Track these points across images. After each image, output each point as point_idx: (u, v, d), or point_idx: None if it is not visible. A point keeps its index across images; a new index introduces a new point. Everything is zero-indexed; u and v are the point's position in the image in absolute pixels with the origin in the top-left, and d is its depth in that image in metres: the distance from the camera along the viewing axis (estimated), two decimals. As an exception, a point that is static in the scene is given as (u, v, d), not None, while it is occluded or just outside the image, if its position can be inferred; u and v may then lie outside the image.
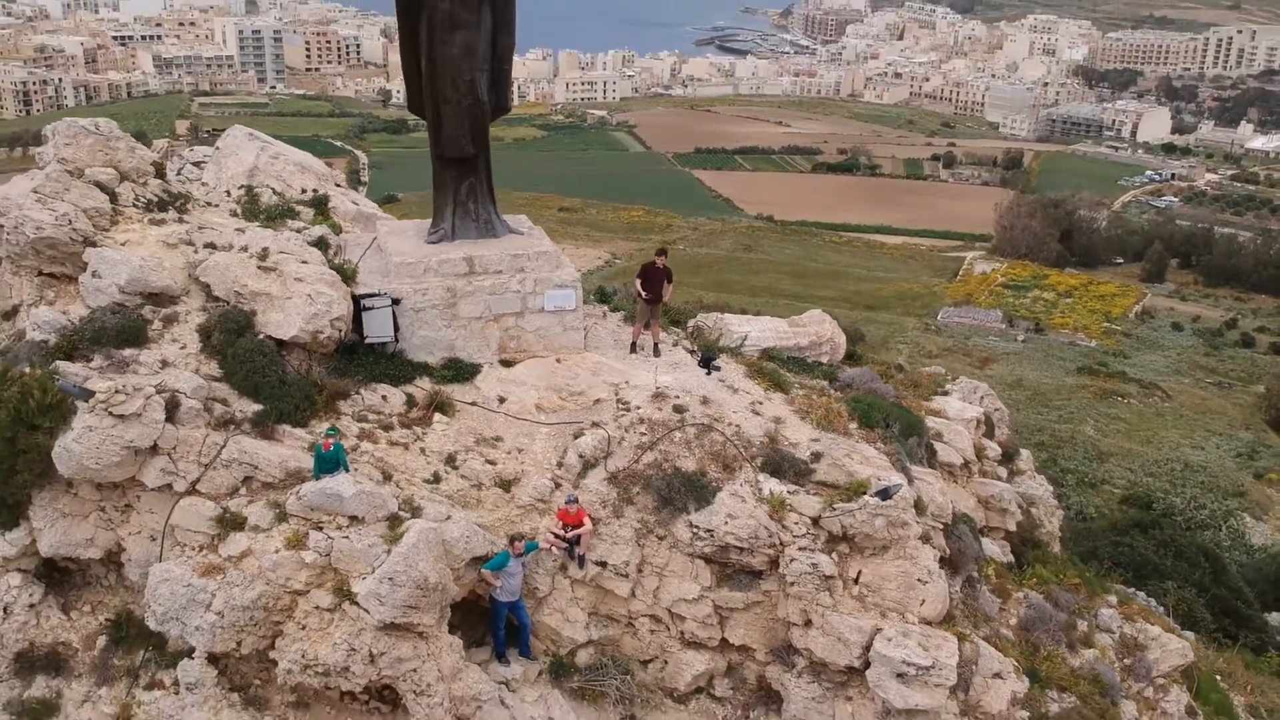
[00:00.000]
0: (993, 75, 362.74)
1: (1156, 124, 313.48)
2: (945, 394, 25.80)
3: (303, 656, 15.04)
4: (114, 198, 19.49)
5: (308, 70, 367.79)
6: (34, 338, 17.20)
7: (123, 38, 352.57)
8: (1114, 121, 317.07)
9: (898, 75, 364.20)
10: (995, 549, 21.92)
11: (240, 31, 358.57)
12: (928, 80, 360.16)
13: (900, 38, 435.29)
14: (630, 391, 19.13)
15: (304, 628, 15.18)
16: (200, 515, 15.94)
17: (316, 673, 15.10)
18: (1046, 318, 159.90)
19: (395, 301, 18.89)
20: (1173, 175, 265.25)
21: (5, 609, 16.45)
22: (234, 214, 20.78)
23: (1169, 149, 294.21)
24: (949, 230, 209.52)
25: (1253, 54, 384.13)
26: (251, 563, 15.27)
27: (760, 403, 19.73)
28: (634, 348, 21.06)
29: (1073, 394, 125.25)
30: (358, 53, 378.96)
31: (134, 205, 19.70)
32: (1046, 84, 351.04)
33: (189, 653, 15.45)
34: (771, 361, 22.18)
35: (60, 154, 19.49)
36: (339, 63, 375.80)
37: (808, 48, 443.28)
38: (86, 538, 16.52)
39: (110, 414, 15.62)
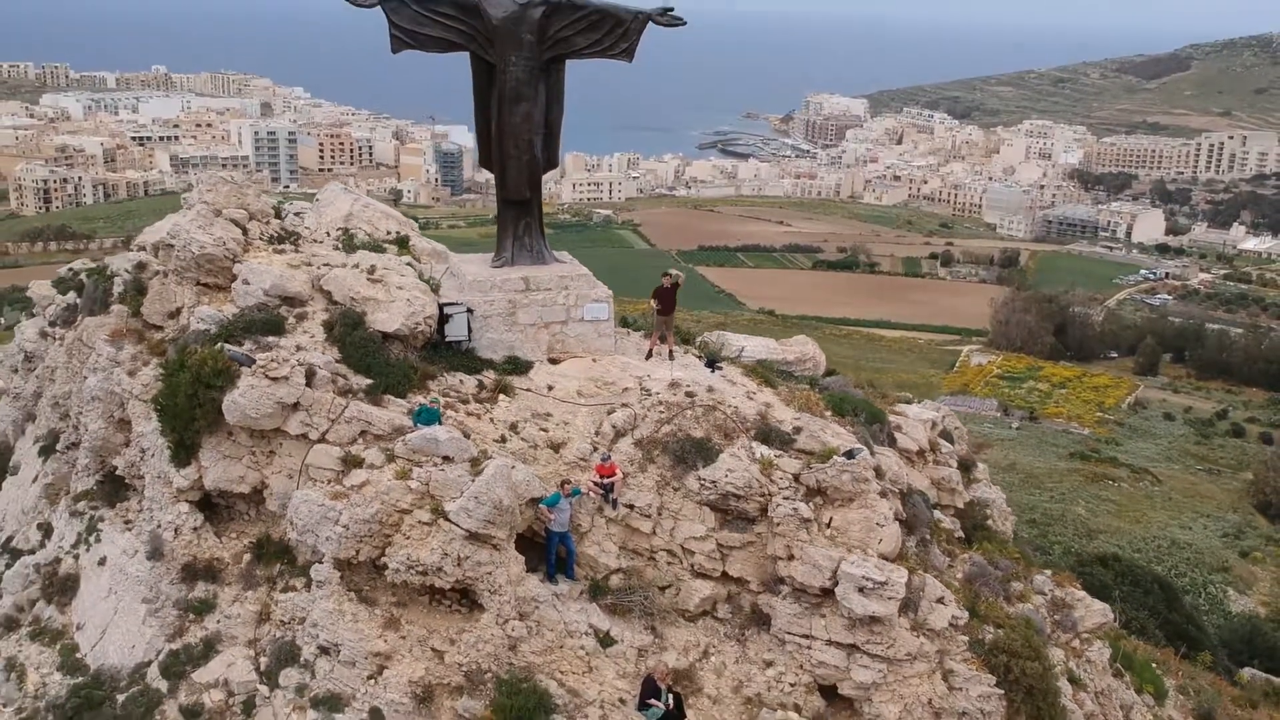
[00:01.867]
0: (990, 178, 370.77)
1: (1151, 225, 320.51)
2: (908, 403, 30.98)
3: (408, 559, 19.98)
4: (245, 231, 24.98)
5: (321, 170, 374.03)
6: (198, 328, 22.56)
7: (141, 138, 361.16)
8: (1109, 223, 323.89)
9: (896, 178, 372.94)
10: (947, 520, 26.88)
11: (256, 133, 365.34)
12: (926, 182, 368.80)
13: (899, 142, 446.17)
14: (651, 382, 24.43)
15: (409, 538, 20.14)
16: (329, 456, 21.12)
17: (417, 572, 20.04)
18: (1041, 407, 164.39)
19: (469, 310, 24.31)
20: (1167, 274, 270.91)
21: (176, 530, 21.54)
22: (335, 248, 26.20)
23: (1163, 249, 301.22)
24: (946, 325, 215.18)
25: (1244, 159, 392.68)
26: (369, 489, 20.32)
27: (754, 393, 25.02)
28: (650, 354, 26.41)
29: (1064, 477, 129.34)
30: (370, 154, 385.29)
31: (260, 238, 25.18)
32: (1043, 186, 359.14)
33: (319, 560, 20.41)
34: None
35: (203, 197, 25.04)
36: (351, 163, 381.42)
37: (808, 151, 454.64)
38: (240, 475, 21.69)
39: (267, 376, 20.93)
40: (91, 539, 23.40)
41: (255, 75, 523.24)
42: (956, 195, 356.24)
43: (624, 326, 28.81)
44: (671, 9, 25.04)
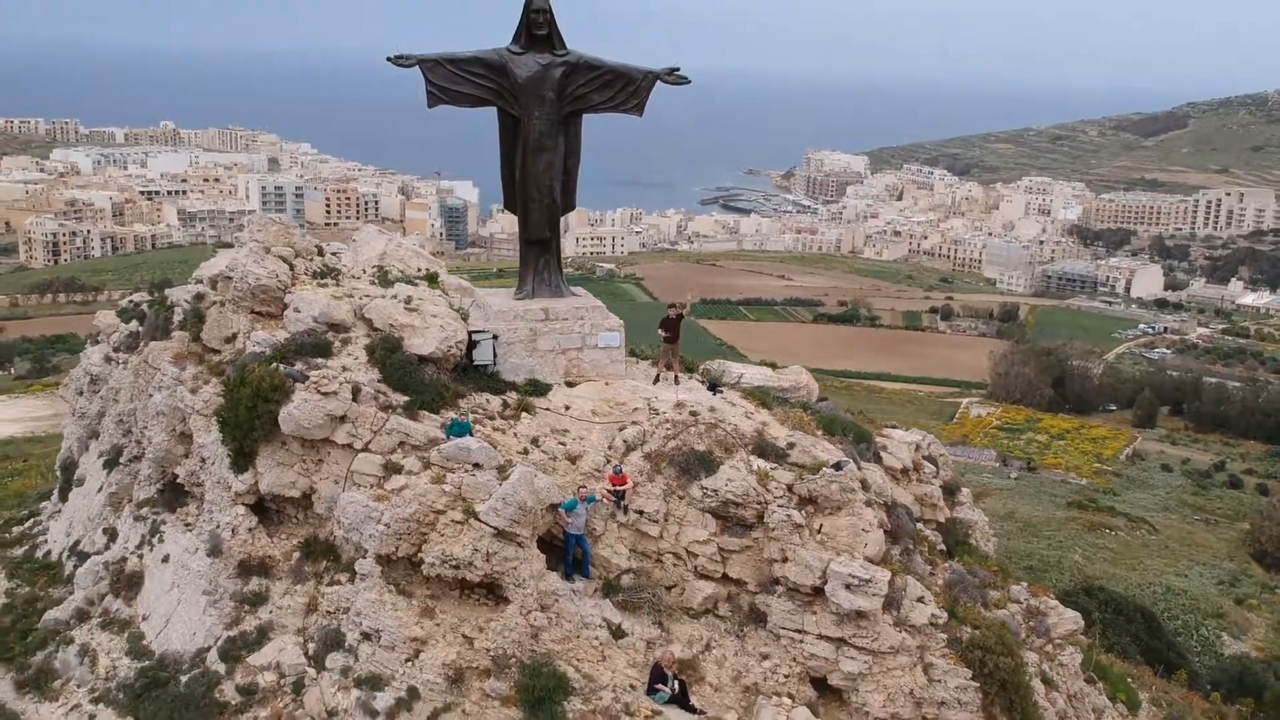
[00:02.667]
0: (990, 234, 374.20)
1: (1149, 280, 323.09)
2: (894, 428, 33.49)
3: (442, 554, 22.42)
4: (291, 267, 27.67)
5: (327, 225, 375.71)
6: (254, 350, 25.22)
7: (149, 193, 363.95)
8: (1108, 278, 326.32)
9: (897, 233, 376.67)
10: (929, 533, 29.27)
11: (263, 188, 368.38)
12: (926, 238, 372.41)
13: (899, 198, 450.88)
14: (659, 403, 27.02)
15: (443, 535, 22.59)
16: (372, 464, 23.64)
17: (450, 566, 22.46)
18: (1039, 458, 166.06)
19: (494, 337, 26.96)
20: (1165, 329, 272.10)
21: (233, 530, 24.02)
22: (372, 283, 28.93)
23: (1162, 304, 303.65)
24: (946, 378, 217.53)
25: (1241, 215, 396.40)
26: (408, 492, 22.81)
27: (751, 413, 27.58)
28: (657, 379, 29.06)
29: (1062, 525, 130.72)
30: (376, 209, 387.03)
31: (304, 273, 27.87)
32: (1042, 242, 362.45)
33: (362, 555, 22.85)
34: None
35: (254, 237, 27.79)
36: (358, 218, 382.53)
37: (809, 207, 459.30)
38: (291, 481, 24.21)
39: (318, 391, 23.52)
40: (154, 540, 25.91)
41: (263, 131, 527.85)
42: (956, 251, 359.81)
43: (633, 356, 31.45)
44: (678, 69, 27.99)
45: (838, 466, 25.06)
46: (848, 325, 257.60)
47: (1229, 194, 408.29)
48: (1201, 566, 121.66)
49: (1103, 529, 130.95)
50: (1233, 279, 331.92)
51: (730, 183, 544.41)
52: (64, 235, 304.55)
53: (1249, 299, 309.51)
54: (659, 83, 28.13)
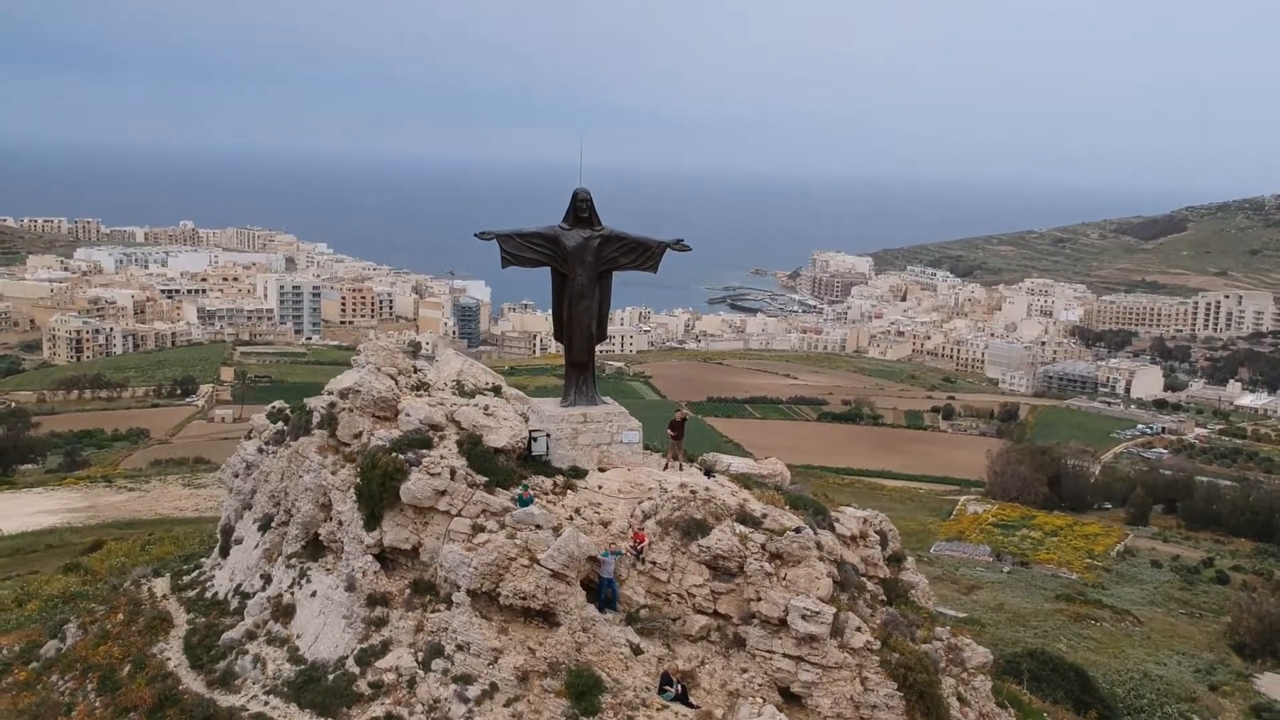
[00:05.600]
0: (992, 334, 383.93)
1: (1149, 381, 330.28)
2: (848, 506, 42.88)
3: (514, 589, 31.69)
4: (396, 382, 37.43)
5: (342, 323, 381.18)
6: (377, 444, 34.86)
7: (170, 291, 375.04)
8: (1108, 379, 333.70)
9: (900, 333, 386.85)
10: (871, 585, 38.44)
11: (281, 287, 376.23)
12: (929, 338, 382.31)
13: (903, 299, 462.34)
14: (668, 484, 36.50)
15: (514, 575, 31.87)
16: (464, 525, 33.07)
17: (519, 597, 31.73)
18: (1032, 553, 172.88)
19: (547, 435, 36.56)
20: (1163, 429, 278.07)
21: (364, 573, 33.40)
22: (453, 393, 38.65)
23: (1160, 405, 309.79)
24: (946, 476, 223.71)
25: (1241, 317, 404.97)
26: (490, 545, 32.16)
27: (736, 492, 37.05)
28: (666, 467, 38.60)
29: (1049, 616, 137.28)
30: (390, 308, 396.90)
31: (405, 387, 37.63)
32: (1044, 343, 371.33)
33: (456, 589, 32.14)
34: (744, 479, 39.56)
35: (368, 359, 37.59)
36: (372, 316, 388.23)
37: (815, 307, 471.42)
38: (405, 538, 33.64)
39: (428, 473, 33.03)
40: (303, 581, 35.35)
41: (280, 231, 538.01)
42: (959, 351, 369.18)
43: (647, 449, 41.08)
44: (682, 239, 38.15)
45: (798, 530, 34.40)
46: (851, 424, 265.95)
47: (1228, 296, 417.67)
48: (1181, 656, 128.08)
49: (1088, 620, 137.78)
50: (1231, 380, 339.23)
51: (737, 282, 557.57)
52: (87, 332, 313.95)
53: (1247, 400, 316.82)
54: (669, 250, 38.25)
